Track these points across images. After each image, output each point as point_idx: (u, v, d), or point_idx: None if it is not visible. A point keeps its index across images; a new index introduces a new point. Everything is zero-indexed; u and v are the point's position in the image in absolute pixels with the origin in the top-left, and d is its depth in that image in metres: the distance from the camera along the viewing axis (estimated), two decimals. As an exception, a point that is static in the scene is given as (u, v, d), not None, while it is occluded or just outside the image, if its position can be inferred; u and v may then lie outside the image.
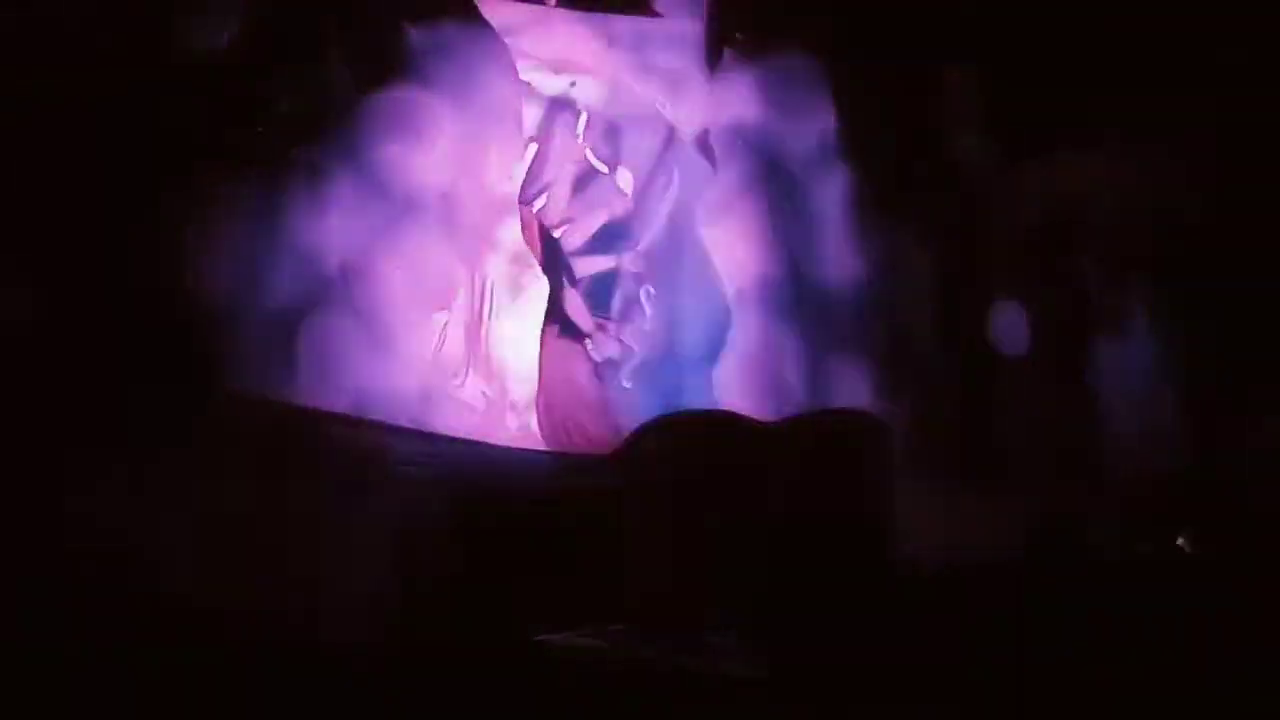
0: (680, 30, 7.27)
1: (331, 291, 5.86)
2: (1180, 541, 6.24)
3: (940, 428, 6.88)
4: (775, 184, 7.13)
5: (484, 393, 6.50)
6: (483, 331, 6.47)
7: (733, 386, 7.01)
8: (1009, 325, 7.20)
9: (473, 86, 6.39)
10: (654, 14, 7.24)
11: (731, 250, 7.08)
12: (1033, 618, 3.76)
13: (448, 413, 6.02)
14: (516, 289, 6.75)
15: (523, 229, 7.14)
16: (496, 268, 6.63)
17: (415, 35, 6.23)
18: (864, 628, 3.89)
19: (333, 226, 5.87)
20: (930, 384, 7.04)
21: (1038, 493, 6.64)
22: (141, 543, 4.39)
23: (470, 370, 6.38)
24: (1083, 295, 7.28)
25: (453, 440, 6.03)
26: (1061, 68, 7.23)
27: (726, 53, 7.18)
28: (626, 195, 7.78)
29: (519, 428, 6.41)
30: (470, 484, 5.58)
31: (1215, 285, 7.01)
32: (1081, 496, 7.00)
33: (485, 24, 6.51)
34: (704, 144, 7.35)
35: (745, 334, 7.03)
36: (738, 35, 7.20)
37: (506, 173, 6.62)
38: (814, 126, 7.17)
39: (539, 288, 6.93)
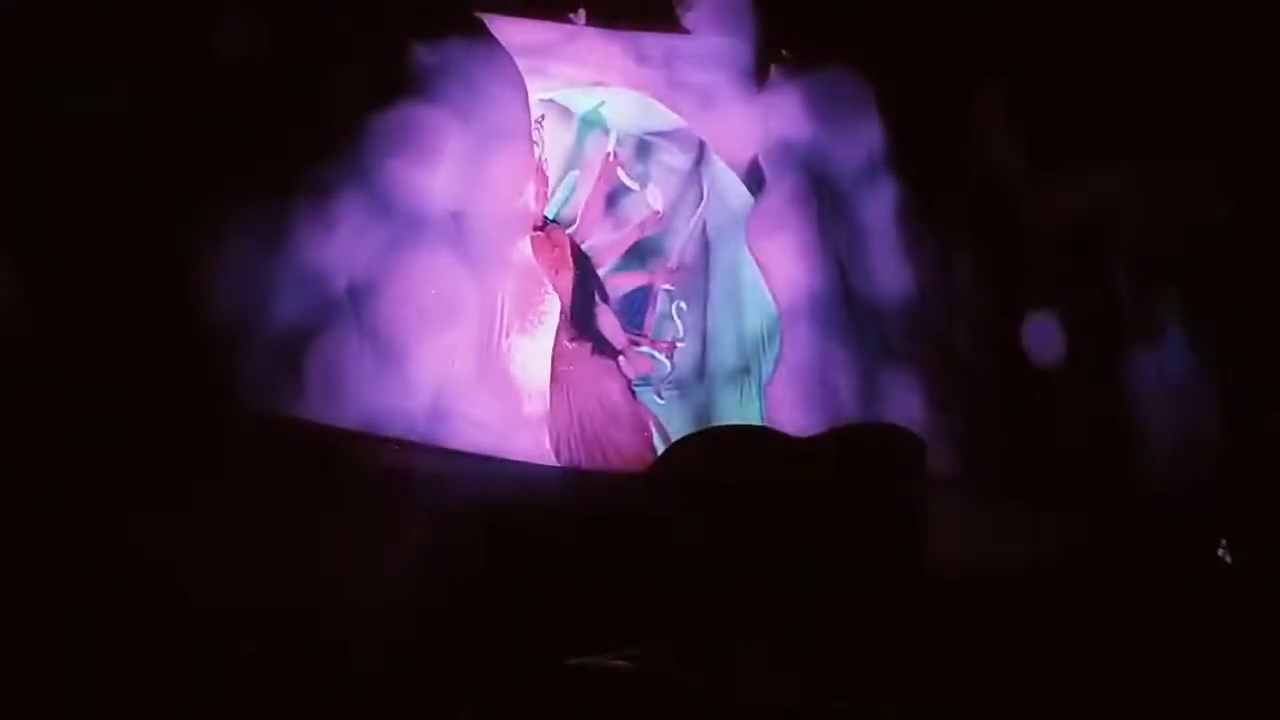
0: (710, 47, 7.27)
1: (340, 311, 5.79)
2: (1220, 551, 6.14)
3: (989, 438, 6.81)
4: (824, 198, 7.10)
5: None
6: (494, 350, 6.34)
7: (784, 400, 6.95)
8: (1051, 334, 7.13)
9: (482, 104, 6.31)
10: (684, 31, 7.25)
11: (782, 265, 7.04)
12: (1068, 631, 3.70)
13: (460, 432, 5.89)
14: (528, 307, 6.68)
15: (535, 253, 7.09)
16: (508, 286, 6.51)
17: (423, 53, 6.18)
18: (897, 644, 3.84)
19: (341, 246, 5.82)
20: (979, 395, 6.97)
21: (1083, 504, 6.57)
22: (163, 556, 4.40)
23: (482, 389, 6.21)
24: (1120, 303, 7.19)
25: (483, 458, 6.02)
26: (1102, 76, 7.16)
27: (773, 69, 7.15)
28: (658, 212, 7.81)
29: (532, 446, 6.31)
30: (500, 502, 5.57)
31: (1251, 291, 6.91)
32: (1123, 506, 6.92)
33: (493, 41, 6.45)
34: (751, 161, 7.32)
35: (796, 348, 6.97)
36: (783, 52, 7.18)
37: (517, 190, 6.53)
38: (861, 140, 7.15)
39: (551, 306, 6.90)
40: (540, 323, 6.78)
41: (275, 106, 5.65)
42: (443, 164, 6.13)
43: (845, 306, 7.00)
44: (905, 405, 6.82)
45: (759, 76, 7.22)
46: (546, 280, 7.06)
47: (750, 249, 7.21)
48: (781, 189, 7.07)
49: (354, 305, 5.79)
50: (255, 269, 5.54)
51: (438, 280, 6.02)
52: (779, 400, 6.97)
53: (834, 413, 6.71)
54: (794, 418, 6.75)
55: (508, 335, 6.44)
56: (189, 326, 5.23)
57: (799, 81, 7.12)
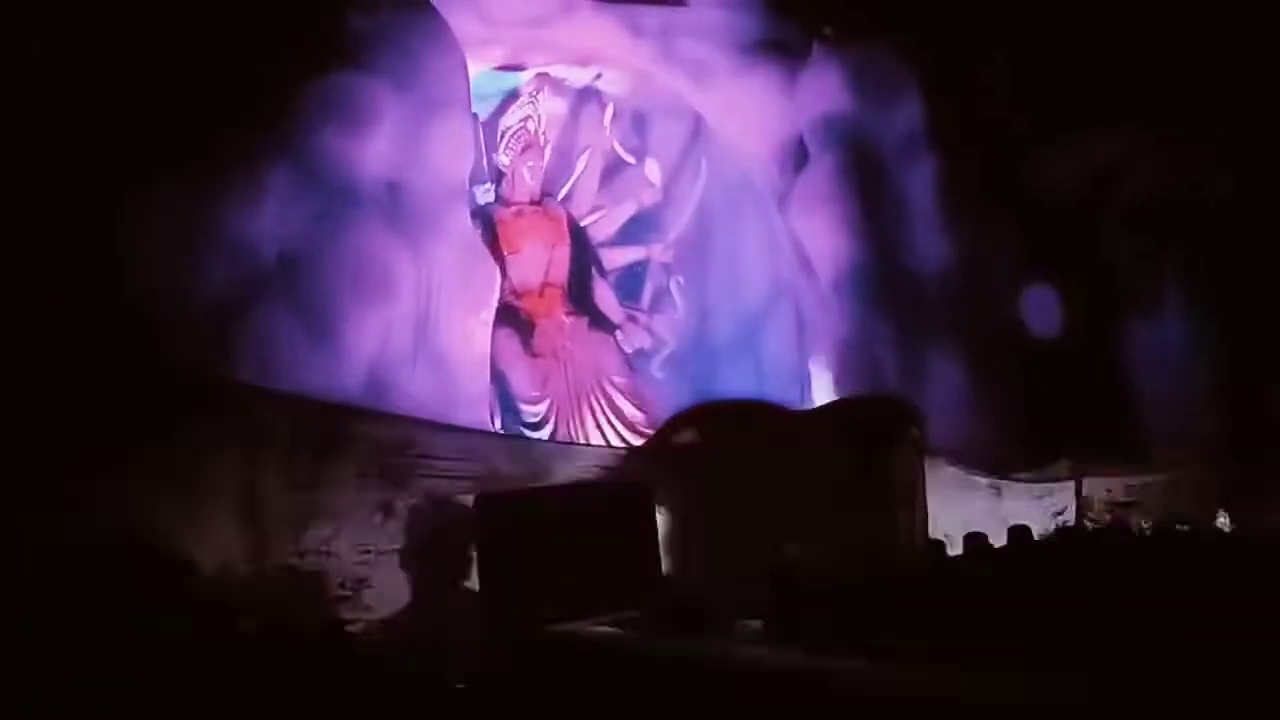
0: (707, 20, 7.24)
1: (271, 285, 5.48)
2: (1221, 519, 6.16)
3: (1029, 407, 6.81)
4: (866, 173, 7.08)
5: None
6: (431, 324, 6.05)
7: (828, 373, 6.97)
8: (1087, 304, 7.13)
9: (417, 72, 6.09)
10: (680, 4, 7.21)
11: (824, 239, 7.01)
12: (1068, 595, 3.70)
13: (396, 408, 5.62)
14: (467, 280, 6.31)
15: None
16: (446, 258, 6.21)
17: (356, 20, 5.91)
18: (893, 610, 3.84)
19: (271, 217, 5.53)
20: (1019, 364, 6.97)
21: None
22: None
23: (418, 364, 5.98)
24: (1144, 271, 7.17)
25: (483, 433, 6.02)
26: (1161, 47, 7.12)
27: (815, 46, 7.12)
28: (655, 186, 7.79)
29: (472, 422, 6.02)
30: (500, 475, 5.58)
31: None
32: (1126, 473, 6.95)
33: (429, 8, 6.24)
34: (778, 136, 7.31)
35: (840, 320, 6.96)
36: (825, 30, 7.14)
37: (455, 161, 6.30)
38: (902, 115, 7.13)
39: (490, 279, 6.60)
40: (482, 296, 6.45)
41: (204, 76, 5.34)
42: (377, 134, 5.91)
43: (888, 280, 6.99)
44: (947, 376, 6.83)
45: (801, 53, 7.17)
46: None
47: (792, 223, 7.16)
48: (824, 164, 7.03)
49: (285, 278, 5.52)
50: (182, 242, 5.23)
51: (371, 253, 5.79)
52: (822, 372, 6.99)
53: (876, 383, 6.72)
54: (838, 390, 6.79)
55: (447, 309, 6.17)
56: (115, 301, 4.93)
57: (841, 58, 7.07)
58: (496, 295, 6.60)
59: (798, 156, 7.38)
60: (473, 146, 6.52)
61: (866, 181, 7.07)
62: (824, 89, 7.11)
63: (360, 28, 5.93)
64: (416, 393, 5.79)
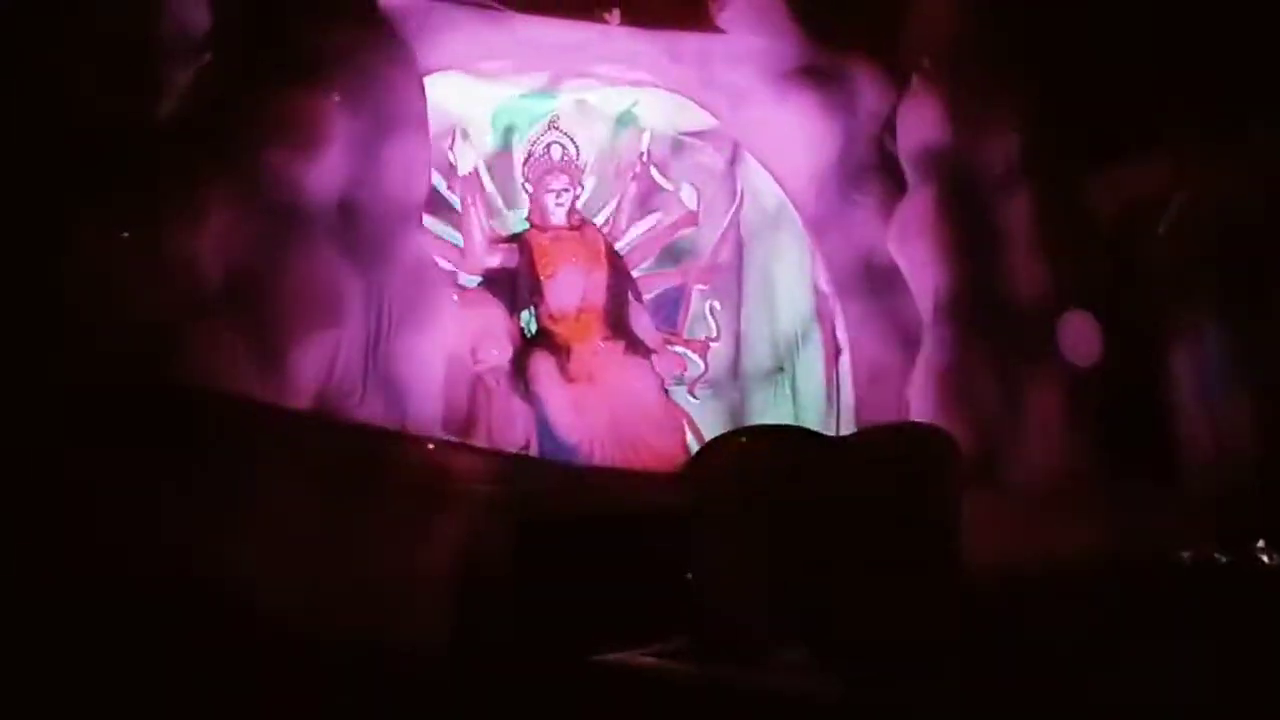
0: (744, 47, 7.26)
1: (216, 307, 5.25)
2: (1260, 551, 6.04)
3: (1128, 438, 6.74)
4: (964, 203, 7.06)
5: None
6: (381, 349, 5.86)
7: (926, 403, 6.87)
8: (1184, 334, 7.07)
9: (371, 91, 5.95)
10: (717, 30, 7.24)
11: (923, 269, 6.97)
12: (1105, 634, 3.67)
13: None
14: (419, 304, 6.11)
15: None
16: (397, 281, 6.02)
17: (310, 36, 5.73)
18: (932, 645, 3.81)
19: (217, 237, 5.31)
20: (1119, 395, 6.90)
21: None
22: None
23: (368, 388, 5.79)
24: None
25: (519, 456, 6.04)
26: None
27: (914, 78, 7.13)
28: (692, 211, 7.81)
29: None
30: (534, 500, 5.59)
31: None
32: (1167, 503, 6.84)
33: (387, 26, 6.09)
34: (894, 164, 7.26)
35: (938, 349, 6.93)
36: (924, 62, 7.15)
37: (410, 182, 6.15)
38: (999, 145, 7.13)
39: (443, 303, 6.42)
40: (434, 319, 6.22)
41: (151, 91, 5.21)
42: (328, 153, 5.74)
43: (986, 309, 6.95)
44: (1044, 406, 6.77)
45: (899, 83, 7.16)
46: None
47: (893, 252, 7.14)
48: (924, 195, 7.03)
49: (230, 300, 5.30)
50: (125, 262, 5.00)
51: (320, 274, 5.60)
52: (920, 402, 6.90)
53: (974, 412, 6.66)
54: (935, 418, 6.60)
55: (398, 332, 5.98)
56: (56, 322, 4.75)
57: (940, 89, 7.07)
58: (451, 319, 6.45)
59: (839, 182, 7.35)
60: (428, 167, 6.38)
61: (965, 211, 7.03)
62: (923, 120, 7.08)
63: (311, 43, 5.78)
64: (366, 417, 5.67)
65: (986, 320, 6.89)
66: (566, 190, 7.39)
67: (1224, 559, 5.23)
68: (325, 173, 5.74)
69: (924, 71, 7.08)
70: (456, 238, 7.31)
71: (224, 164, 5.39)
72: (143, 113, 5.18)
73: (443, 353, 6.32)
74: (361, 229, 5.87)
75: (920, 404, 6.90)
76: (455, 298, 6.77)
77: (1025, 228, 7.01)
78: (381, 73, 6.04)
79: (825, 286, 7.39)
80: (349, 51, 5.88)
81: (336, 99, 5.76)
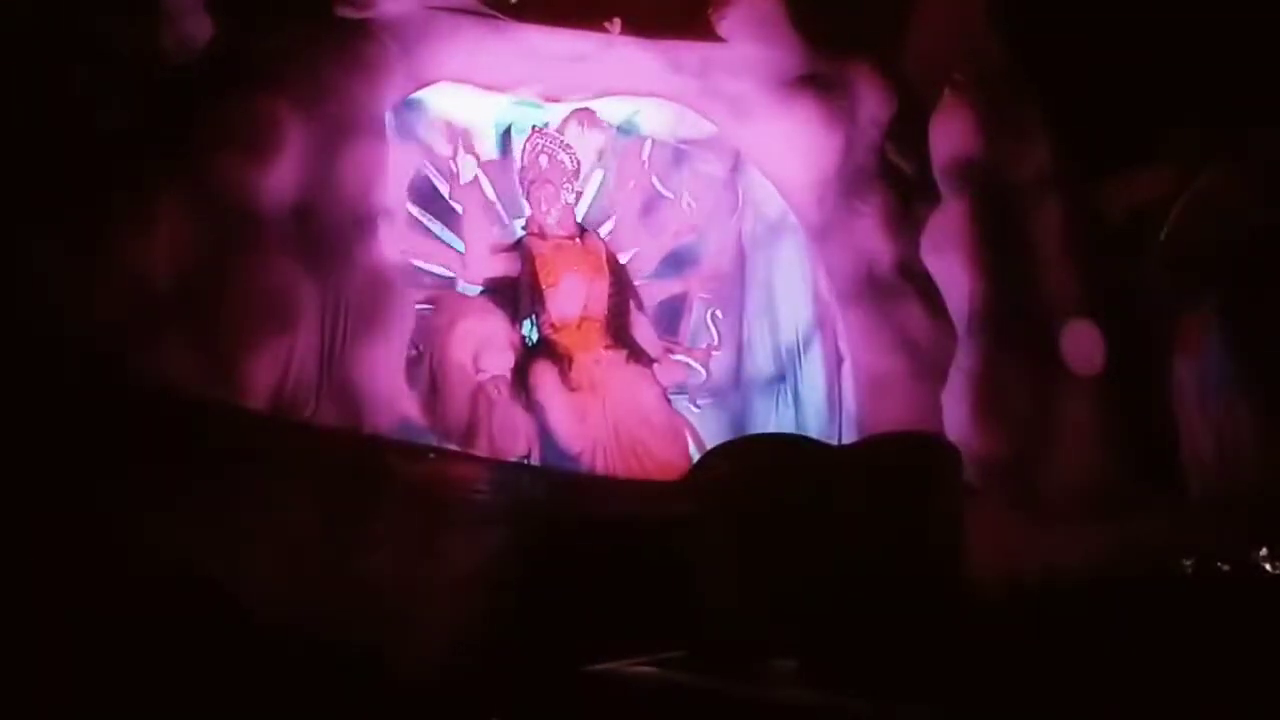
0: (746, 56, 7.26)
1: (167, 314, 5.19)
2: (1262, 559, 6.03)
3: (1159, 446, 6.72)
4: (995, 214, 7.06)
5: None
6: (336, 357, 5.77)
7: (959, 414, 6.85)
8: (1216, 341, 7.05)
9: (327, 94, 5.89)
10: (718, 39, 7.25)
11: (956, 280, 6.98)
12: (1109, 639, 3.65)
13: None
14: (375, 311, 6.01)
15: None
16: (352, 288, 5.92)
17: (260, 38, 5.69)
18: (930, 653, 3.81)
19: (163, 243, 5.24)
20: (1151, 404, 6.89)
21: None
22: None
23: (322, 397, 5.70)
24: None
25: (517, 466, 6.03)
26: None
27: (946, 91, 7.14)
28: (693, 220, 7.82)
29: None
30: (535, 509, 5.58)
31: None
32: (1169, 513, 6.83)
33: (343, 26, 6.02)
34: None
35: (970, 358, 6.92)
36: (956, 76, 7.16)
37: (367, 189, 6.06)
38: (1031, 157, 7.12)
39: (404, 311, 6.30)
40: (391, 328, 6.13)
41: (102, 95, 5.15)
42: (282, 158, 5.68)
43: (1018, 318, 6.95)
44: (1075, 414, 6.75)
45: (931, 97, 7.18)
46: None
47: (924, 262, 7.15)
48: (956, 206, 7.03)
49: (181, 308, 5.24)
50: (73, 269, 4.97)
51: (274, 281, 5.54)
52: (953, 413, 6.88)
53: (1006, 421, 6.65)
54: (968, 431, 6.66)
55: (353, 341, 5.89)
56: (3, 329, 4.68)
57: (970, 102, 7.07)
58: (409, 328, 6.38)
59: (840, 190, 7.34)
60: (386, 172, 6.30)
61: (997, 222, 7.02)
62: (954, 132, 7.08)
63: (265, 46, 5.75)
64: (320, 423, 5.62)
65: (1019, 329, 6.90)
66: (560, 199, 7.38)
67: (1226, 567, 5.22)
68: (279, 178, 5.70)
69: (955, 84, 7.10)
70: (459, 245, 7.31)
71: (175, 169, 5.35)
72: (93, 118, 5.13)
73: (401, 360, 6.25)
74: (317, 236, 5.82)
75: (954, 411, 6.89)
76: (417, 306, 6.66)
77: (1058, 239, 7.02)
78: (337, 79, 6.00)
79: (827, 294, 7.38)
80: (302, 57, 5.85)
81: (288, 104, 5.71)
